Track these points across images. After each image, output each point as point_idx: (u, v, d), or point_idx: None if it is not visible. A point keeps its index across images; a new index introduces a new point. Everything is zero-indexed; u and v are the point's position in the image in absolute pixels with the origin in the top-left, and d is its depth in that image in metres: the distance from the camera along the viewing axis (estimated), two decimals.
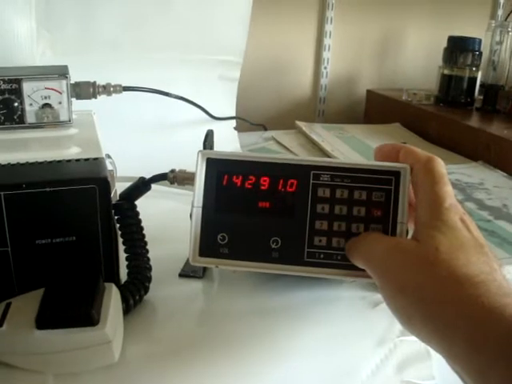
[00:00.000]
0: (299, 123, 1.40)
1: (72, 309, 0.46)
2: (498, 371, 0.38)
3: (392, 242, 0.50)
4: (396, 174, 0.53)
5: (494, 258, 0.45)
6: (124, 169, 0.73)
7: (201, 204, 0.54)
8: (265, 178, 0.54)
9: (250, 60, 1.42)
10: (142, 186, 0.60)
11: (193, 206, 0.54)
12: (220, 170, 0.54)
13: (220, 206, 0.54)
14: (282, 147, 1.27)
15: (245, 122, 1.33)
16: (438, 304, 0.42)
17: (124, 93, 0.90)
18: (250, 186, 0.54)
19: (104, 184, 0.52)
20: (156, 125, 1.07)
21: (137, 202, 0.60)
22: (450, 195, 0.48)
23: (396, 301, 0.46)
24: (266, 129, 1.42)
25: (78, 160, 0.56)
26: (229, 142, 1.15)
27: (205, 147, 0.59)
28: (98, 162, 0.56)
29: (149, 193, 0.61)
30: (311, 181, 0.54)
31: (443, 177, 0.48)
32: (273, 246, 0.54)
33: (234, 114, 1.20)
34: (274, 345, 0.54)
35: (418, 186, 0.50)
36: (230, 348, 0.53)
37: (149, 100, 1.00)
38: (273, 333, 0.55)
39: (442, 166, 0.49)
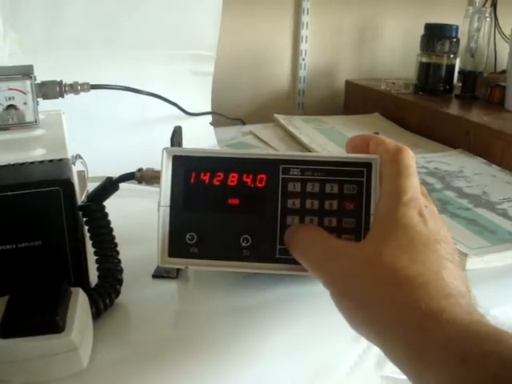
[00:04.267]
0: (277, 116, 1.38)
1: (36, 316, 0.45)
2: (434, 378, 0.37)
3: (332, 245, 0.48)
4: (367, 166, 0.52)
5: (449, 253, 0.44)
6: (98, 168, 0.72)
7: (168, 203, 0.53)
8: (233, 174, 0.53)
9: (226, 54, 1.41)
10: (109, 187, 0.58)
11: (159, 206, 0.53)
12: (187, 167, 0.53)
13: (188, 204, 0.53)
14: (260, 141, 1.25)
15: (223, 117, 1.32)
16: (378, 308, 0.42)
17: (98, 91, 0.89)
18: (218, 183, 0.53)
19: (68, 186, 0.51)
20: (130, 123, 1.05)
21: (108, 202, 0.59)
22: (411, 188, 0.46)
23: (339, 305, 0.45)
24: (244, 123, 1.41)
25: (41, 162, 0.55)
26: (205, 138, 1.13)
27: (172, 144, 0.58)
28: (62, 163, 0.55)
29: (120, 192, 0.60)
30: (281, 175, 0.53)
31: (408, 168, 0.47)
32: (243, 244, 0.53)
33: (209, 109, 1.18)
34: (250, 343, 0.53)
35: (382, 178, 0.49)
36: (205, 348, 0.52)
37: (123, 98, 0.99)
38: (249, 331, 0.54)
39: (409, 156, 0.48)
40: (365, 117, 1.45)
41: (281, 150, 1.18)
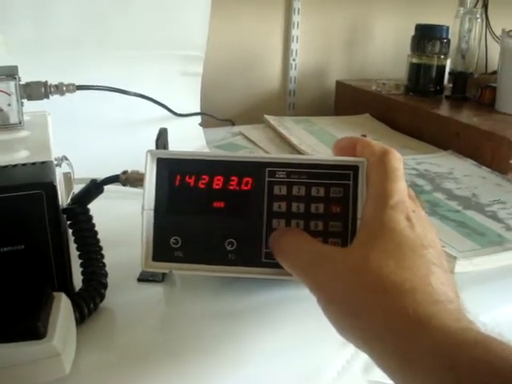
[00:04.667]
0: (267, 117, 1.38)
1: (17, 322, 0.44)
2: None
3: (318, 251, 0.47)
4: (354, 169, 0.51)
5: (436, 259, 0.44)
6: (86, 170, 0.71)
7: (152, 206, 0.52)
8: (219, 177, 0.52)
9: (216, 54, 1.41)
10: (93, 189, 0.58)
11: (143, 209, 0.52)
12: (172, 170, 0.52)
13: (172, 207, 0.53)
14: (249, 142, 1.25)
15: (213, 118, 1.31)
16: (365, 316, 0.41)
17: (86, 92, 0.89)
18: (203, 186, 0.52)
19: (51, 189, 0.50)
20: (119, 124, 1.05)
21: (93, 205, 0.58)
22: (398, 191, 0.46)
23: (326, 311, 0.44)
24: (234, 124, 1.40)
25: (24, 164, 0.54)
26: (194, 139, 1.12)
27: (157, 146, 0.57)
28: (45, 165, 0.54)
29: (106, 194, 0.59)
30: (266, 178, 0.52)
31: (394, 171, 0.47)
32: (228, 248, 0.52)
33: (198, 110, 1.18)
34: (236, 348, 0.52)
35: (369, 181, 0.48)
36: (191, 353, 0.51)
37: (111, 99, 0.98)
38: (235, 335, 0.54)
39: (396, 159, 0.47)
40: (355, 118, 1.45)
41: (270, 151, 1.18)
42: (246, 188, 0.52)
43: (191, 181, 0.52)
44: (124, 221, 0.72)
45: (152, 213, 0.52)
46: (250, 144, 1.24)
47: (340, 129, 1.33)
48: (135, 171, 0.57)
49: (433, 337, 0.37)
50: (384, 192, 0.46)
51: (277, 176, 0.52)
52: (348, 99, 1.63)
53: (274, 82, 1.65)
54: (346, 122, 1.41)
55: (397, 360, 0.38)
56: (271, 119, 1.36)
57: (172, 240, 0.52)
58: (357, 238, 0.46)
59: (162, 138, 0.58)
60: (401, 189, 0.46)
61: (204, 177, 0.52)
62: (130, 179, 0.57)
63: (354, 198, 0.51)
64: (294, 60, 1.63)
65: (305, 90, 1.68)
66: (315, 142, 1.23)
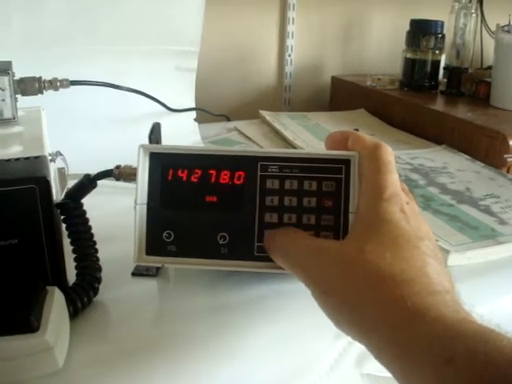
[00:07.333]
0: (263, 112, 1.38)
1: (10, 315, 0.44)
2: (420, 378, 0.36)
3: (313, 245, 0.47)
4: (346, 163, 0.52)
5: (431, 250, 0.44)
6: (80, 165, 0.71)
7: (145, 201, 0.52)
8: (211, 171, 0.52)
9: (212, 49, 1.41)
10: (87, 184, 0.58)
11: (136, 204, 0.52)
12: (165, 164, 0.53)
13: (165, 201, 0.53)
14: (244, 137, 1.25)
15: (208, 114, 1.31)
16: (362, 308, 0.41)
17: (83, 88, 0.89)
18: (196, 180, 0.52)
19: (44, 183, 0.50)
20: (114, 119, 1.05)
21: (87, 199, 0.58)
22: (392, 184, 0.46)
23: (322, 304, 0.44)
24: (229, 119, 1.40)
25: (17, 159, 0.54)
26: (189, 135, 1.12)
27: (150, 141, 0.57)
28: (38, 160, 0.54)
29: (100, 189, 0.59)
30: (259, 172, 0.52)
31: (387, 164, 0.47)
32: (220, 242, 0.52)
33: (193, 106, 1.18)
34: (230, 342, 0.52)
35: (362, 175, 0.49)
36: (185, 347, 0.51)
37: (106, 94, 0.98)
38: (229, 330, 0.54)
39: (388, 153, 0.48)
40: (350, 113, 1.45)
41: (265, 146, 1.18)
42: (238, 182, 0.52)
43: (184, 175, 0.52)
44: (118, 215, 0.72)
45: (145, 207, 0.53)
46: (245, 139, 1.24)
47: (335, 124, 1.33)
48: (128, 166, 0.57)
49: (431, 328, 0.37)
50: (378, 185, 0.46)
51: (269, 170, 0.52)
52: (343, 94, 1.63)
53: (270, 77, 1.65)
54: (342, 118, 1.41)
55: (394, 352, 0.38)
56: (266, 115, 1.36)
57: (165, 234, 0.53)
58: (352, 231, 0.46)
59: (155, 133, 0.58)
60: (394, 181, 0.46)
61: (197, 171, 0.52)
62: (123, 174, 0.57)
63: (346, 192, 0.52)
64: (289, 55, 1.63)
65: (300, 85, 1.68)
66: (310, 137, 1.23)
